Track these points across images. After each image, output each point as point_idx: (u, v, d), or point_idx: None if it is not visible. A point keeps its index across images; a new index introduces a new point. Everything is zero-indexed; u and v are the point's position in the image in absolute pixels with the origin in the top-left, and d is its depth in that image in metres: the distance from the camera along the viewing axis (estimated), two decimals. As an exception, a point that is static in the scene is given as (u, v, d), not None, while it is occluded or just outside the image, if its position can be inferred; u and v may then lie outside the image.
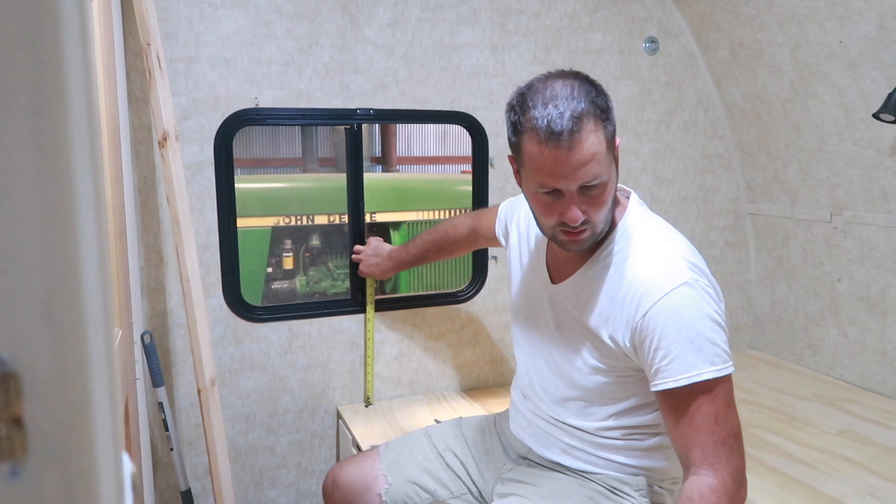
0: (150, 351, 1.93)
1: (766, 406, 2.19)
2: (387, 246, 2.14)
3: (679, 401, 1.11)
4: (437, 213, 4.09)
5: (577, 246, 1.18)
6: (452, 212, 4.07)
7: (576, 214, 1.11)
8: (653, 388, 1.13)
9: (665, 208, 2.62)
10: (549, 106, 1.07)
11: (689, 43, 2.55)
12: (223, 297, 2.10)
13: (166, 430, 1.99)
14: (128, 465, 0.54)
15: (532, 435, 1.36)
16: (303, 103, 2.10)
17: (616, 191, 1.21)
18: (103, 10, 1.22)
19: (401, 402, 2.31)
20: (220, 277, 2.08)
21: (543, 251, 1.38)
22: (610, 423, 1.24)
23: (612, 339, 1.18)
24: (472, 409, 2.23)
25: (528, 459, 1.37)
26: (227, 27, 2.00)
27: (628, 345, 1.16)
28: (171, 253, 2.00)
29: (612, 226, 1.22)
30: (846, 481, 1.69)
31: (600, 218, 1.15)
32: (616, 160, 1.17)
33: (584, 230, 1.15)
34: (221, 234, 2.07)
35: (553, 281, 1.32)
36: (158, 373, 1.95)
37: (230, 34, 2.00)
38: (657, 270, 1.14)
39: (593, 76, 2.36)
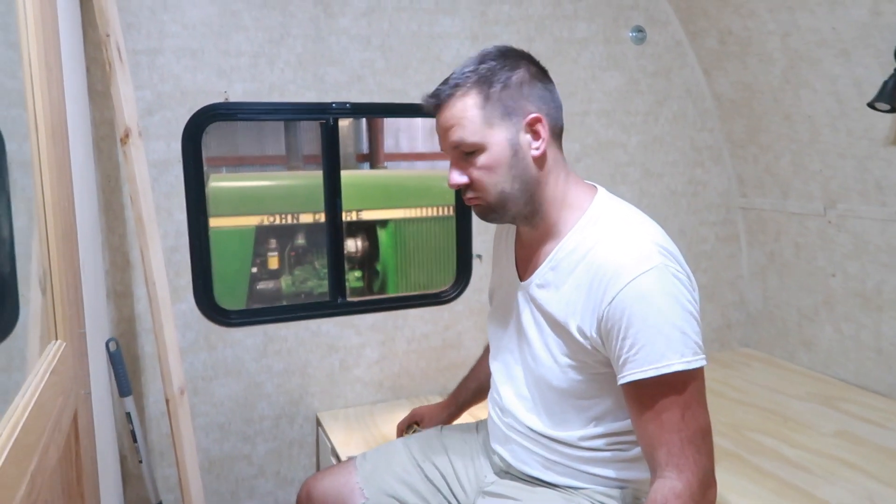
0: (115, 359, 1.84)
1: (760, 406, 2.12)
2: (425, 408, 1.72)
3: (645, 394, 1.03)
4: (424, 210, 4.01)
5: (478, 214, 1.19)
6: (440, 209, 3.99)
7: (450, 177, 1.16)
8: (619, 381, 1.06)
9: (654, 202, 2.54)
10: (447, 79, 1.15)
11: (677, 31, 2.48)
12: (194, 301, 2.01)
13: (135, 441, 1.90)
14: None
15: (511, 451, 1.28)
16: (275, 97, 2.01)
17: (559, 178, 1.17)
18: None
19: (382, 407, 2.22)
20: (190, 280, 1.99)
21: (513, 248, 1.30)
22: (590, 430, 1.16)
23: (581, 330, 1.10)
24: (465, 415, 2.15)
25: (510, 474, 1.29)
26: (192, 17, 1.90)
27: (596, 335, 1.08)
28: (137, 255, 1.91)
29: (574, 212, 1.16)
30: (844, 486, 1.62)
31: (485, 184, 1.13)
32: (533, 132, 1.13)
33: (475, 198, 1.16)
34: (191, 235, 1.98)
35: (522, 278, 1.25)
36: (125, 382, 1.86)
37: (196, 24, 1.91)
38: (625, 254, 1.06)
39: (578, 66, 2.34)
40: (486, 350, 1.62)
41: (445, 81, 1.14)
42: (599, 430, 1.16)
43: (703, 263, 2.63)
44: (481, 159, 1.12)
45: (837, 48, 1.98)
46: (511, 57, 1.15)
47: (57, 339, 1.07)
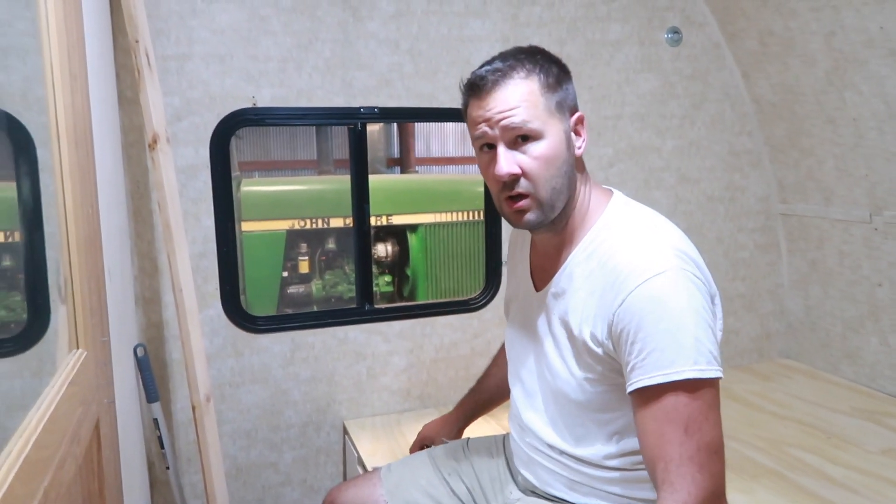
0: (143, 364, 1.84)
1: (801, 421, 2.03)
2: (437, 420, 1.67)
3: (651, 403, 0.96)
4: (454, 214, 3.98)
5: (521, 219, 1.08)
6: (470, 213, 3.96)
7: (500, 165, 1.04)
8: (627, 389, 0.99)
9: (690, 209, 2.47)
10: (485, 65, 1.07)
11: (714, 33, 2.40)
12: (222, 307, 2.00)
13: (162, 447, 1.90)
14: None
15: (534, 473, 1.23)
16: (303, 102, 1.99)
17: (586, 183, 1.13)
18: (70, 2, 1.12)
19: (410, 416, 2.19)
20: (218, 286, 1.98)
21: (527, 259, 1.26)
22: (613, 447, 1.10)
23: (594, 336, 1.05)
24: (484, 426, 2.10)
25: (535, 494, 1.25)
26: (221, 22, 1.90)
27: (608, 341, 1.03)
28: (165, 261, 1.90)
29: (591, 217, 1.11)
30: (893, 509, 1.54)
31: (541, 179, 1.04)
32: (575, 131, 1.09)
33: (526, 197, 1.06)
34: (219, 241, 1.97)
35: (537, 288, 1.20)
36: (153, 388, 1.86)
37: (225, 30, 1.90)
38: (638, 256, 1.01)
39: (611, 69, 2.29)
40: (494, 360, 1.58)
41: (489, 63, 1.06)
42: (622, 447, 1.10)
43: (742, 271, 2.55)
44: (539, 148, 1.04)
45: (886, 48, 1.89)
46: (547, 55, 1.11)
47: (78, 348, 1.05)
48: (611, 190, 1.18)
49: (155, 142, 1.72)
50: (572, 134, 1.09)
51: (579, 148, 1.10)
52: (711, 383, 0.96)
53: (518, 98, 1.03)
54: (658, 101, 2.38)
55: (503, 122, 1.04)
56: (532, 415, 1.22)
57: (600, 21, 2.26)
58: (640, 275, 0.98)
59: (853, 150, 2.15)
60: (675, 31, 2.37)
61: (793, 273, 2.56)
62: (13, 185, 1.31)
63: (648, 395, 0.96)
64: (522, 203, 1.06)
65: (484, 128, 1.06)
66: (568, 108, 1.09)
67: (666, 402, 0.95)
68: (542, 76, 1.05)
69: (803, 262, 2.50)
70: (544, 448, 1.19)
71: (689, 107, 2.42)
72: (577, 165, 1.11)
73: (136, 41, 1.70)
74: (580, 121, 1.10)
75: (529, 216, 1.07)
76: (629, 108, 2.35)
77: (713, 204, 2.50)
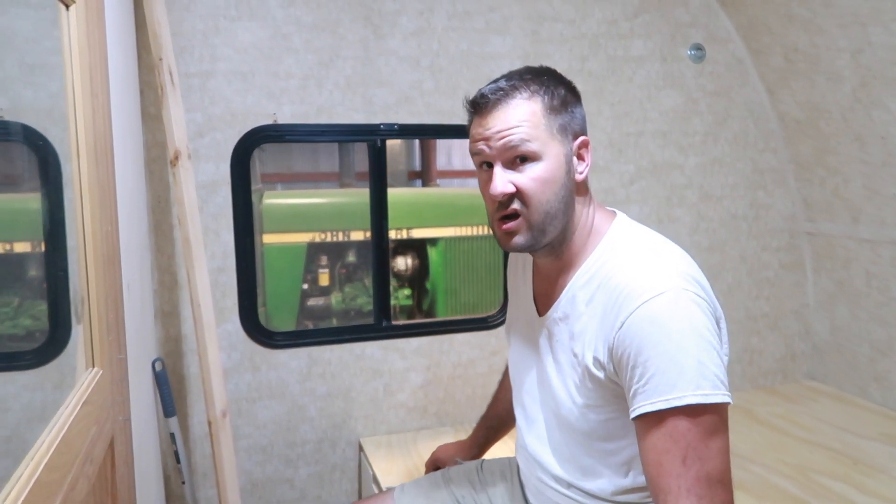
0: (161, 379, 1.85)
1: (828, 447, 1.98)
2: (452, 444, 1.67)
3: (651, 430, 0.92)
4: (475, 228, 3.97)
5: (510, 241, 1.06)
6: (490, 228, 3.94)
7: (495, 184, 1.03)
8: (631, 416, 0.95)
9: (712, 226, 2.43)
10: (490, 84, 1.07)
11: (739, 49, 2.37)
12: (240, 322, 2.00)
13: (178, 462, 1.90)
14: None
15: (544, 507, 1.20)
16: (323, 119, 2.00)
17: (588, 206, 1.11)
18: (93, 21, 1.13)
19: (426, 434, 2.17)
20: (236, 301, 1.99)
21: (530, 283, 1.23)
22: (622, 480, 1.06)
23: (596, 360, 1.01)
24: (500, 446, 2.08)
25: (550, 524, 1.22)
26: (244, 40, 1.91)
27: (610, 364, 0.99)
28: (185, 275, 1.92)
29: (594, 240, 1.09)
30: (924, 541, 1.49)
31: (535, 198, 1.03)
32: (578, 155, 1.08)
33: (517, 217, 1.04)
34: (238, 256, 1.98)
35: (540, 313, 1.17)
36: (170, 402, 1.86)
37: (247, 47, 1.92)
38: (639, 277, 0.97)
39: (633, 85, 2.27)
40: (501, 384, 1.56)
41: (495, 82, 1.07)
42: (636, 480, 1.07)
43: (766, 291, 2.50)
44: (537, 169, 1.03)
45: (915, 66, 1.85)
46: (556, 76, 1.10)
47: (94, 367, 1.06)
48: (614, 211, 1.15)
49: (176, 158, 1.73)
50: (574, 158, 1.07)
51: (580, 173, 1.08)
52: (715, 409, 0.91)
53: (518, 118, 1.03)
54: (680, 118, 2.35)
55: (501, 142, 1.03)
56: (536, 444, 1.19)
57: (622, 38, 2.25)
58: (639, 296, 0.95)
59: (882, 169, 2.10)
60: (699, 47, 2.34)
61: (819, 293, 2.50)
62: (38, 196, 1.33)
63: (649, 421, 0.92)
64: (512, 224, 1.05)
65: (482, 146, 1.06)
66: (572, 131, 1.07)
67: (665, 429, 0.91)
68: (546, 97, 1.05)
69: (830, 282, 2.44)
70: (551, 481, 1.16)
71: (712, 123, 2.39)
72: (577, 190, 1.09)
73: (160, 59, 1.72)
74: (584, 145, 1.08)
75: (518, 239, 1.06)
76: (651, 124, 2.32)
77: (736, 222, 2.46)
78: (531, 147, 1.03)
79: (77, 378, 1.13)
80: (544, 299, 1.17)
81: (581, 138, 1.08)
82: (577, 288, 1.08)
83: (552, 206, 1.04)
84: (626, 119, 2.29)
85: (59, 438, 0.79)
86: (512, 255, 1.34)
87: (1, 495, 0.65)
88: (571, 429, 1.09)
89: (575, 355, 1.06)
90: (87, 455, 0.92)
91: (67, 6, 1.02)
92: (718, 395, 0.91)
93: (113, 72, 1.32)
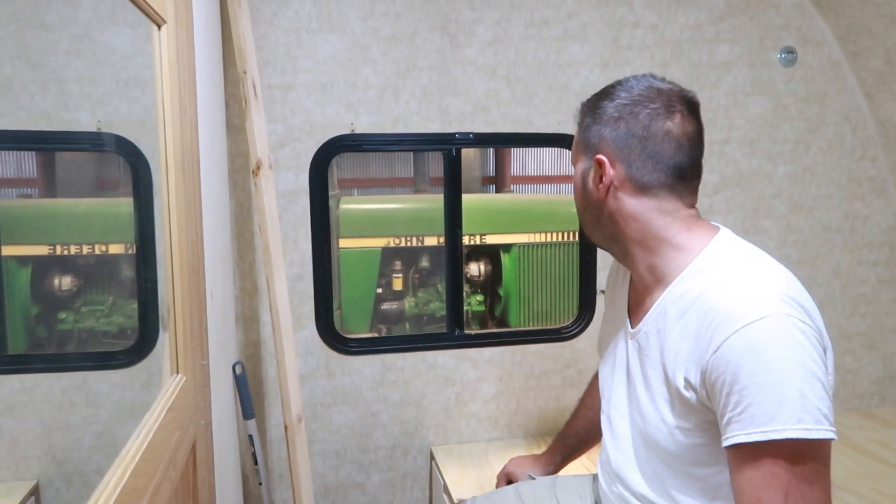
0: (241, 382, 1.90)
1: (931, 478, 1.84)
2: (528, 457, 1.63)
3: (747, 463, 0.87)
4: (548, 235, 3.92)
5: None
6: (565, 234, 3.88)
7: None
8: (723, 444, 0.90)
9: (803, 238, 2.31)
10: None
11: (834, 52, 2.24)
12: (316, 329, 2.04)
13: (256, 463, 1.96)
14: None
15: (627, 531, 1.16)
16: (399, 128, 2.02)
17: (663, 217, 1.07)
18: (183, 39, 1.18)
19: (498, 445, 2.15)
20: (313, 308, 2.03)
21: (626, 294, 1.20)
22: None
23: (688, 383, 0.96)
24: (576, 464, 2.03)
25: (628, 549, 1.18)
26: (324, 52, 1.95)
27: (702, 389, 0.94)
28: (264, 281, 1.97)
29: (687, 255, 1.04)
30: None
31: (575, 205, 1.18)
32: (599, 175, 1.09)
33: None
34: (315, 264, 2.02)
35: (633, 324, 1.13)
36: (249, 405, 1.92)
37: (327, 59, 1.96)
38: (737, 299, 0.92)
39: (718, 92, 2.19)
40: (582, 401, 1.52)
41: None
42: None
43: (862, 308, 2.35)
44: (574, 178, 1.18)
45: None
46: (607, 92, 1.12)
47: (178, 373, 1.09)
48: (717, 226, 1.10)
49: (258, 168, 1.78)
50: (592, 174, 1.11)
51: (598, 190, 1.10)
52: (819, 445, 0.86)
53: (574, 141, 1.18)
54: (769, 125, 2.24)
55: None
56: (621, 459, 1.15)
57: (707, 43, 2.17)
58: (738, 319, 0.90)
59: None
60: (790, 50, 2.23)
61: (921, 311, 2.33)
62: (130, 202, 1.39)
63: (745, 453, 0.88)
64: None
65: None
66: (593, 149, 1.11)
67: (764, 465, 0.86)
68: (584, 118, 1.14)
69: (934, 300, 2.27)
70: (632, 498, 1.12)
71: (803, 130, 2.27)
72: (608, 204, 1.09)
73: (244, 72, 1.78)
74: (599, 163, 1.08)
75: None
76: (737, 132, 2.23)
77: (829, 234, 2.32)
78: (572, 158, 1.19)
79: (163, 381, 1.17)
80: (637, 311, 1.14)
81: (597, 156, 1.09)
82: (669, 303, 1.04)
83: (581, 214, 1.16)
84: (710, 126, 2.20)
85: (145, 445, 0.82)
86: (612, 267, 1.33)
87: (90, 501, 0.67)
88: (658, 447, 1.05)
89: (665, 372, 1.03)
90: (170, 460, 0.96)
91: (159, 26, 1.06)
92: (822, 431, 0.85)
93: (200, 86, 1.38)
